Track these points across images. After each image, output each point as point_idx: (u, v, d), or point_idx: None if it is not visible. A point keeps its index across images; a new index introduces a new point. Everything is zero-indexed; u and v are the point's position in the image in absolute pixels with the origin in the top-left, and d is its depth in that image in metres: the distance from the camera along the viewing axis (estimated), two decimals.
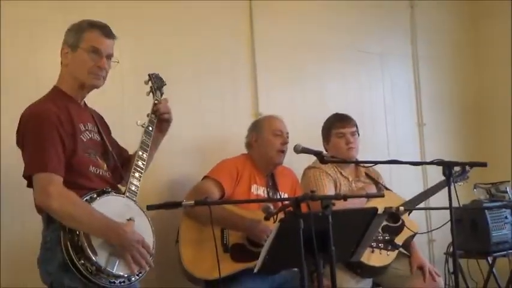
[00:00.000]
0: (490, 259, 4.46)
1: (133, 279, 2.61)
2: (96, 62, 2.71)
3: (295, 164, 3.90)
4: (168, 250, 3.48)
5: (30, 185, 2.60)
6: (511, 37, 5.42)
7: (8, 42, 3.31)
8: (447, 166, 3.00)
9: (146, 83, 3.15)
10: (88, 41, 2.71)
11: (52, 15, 3.40)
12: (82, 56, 2.71)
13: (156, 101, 3.05)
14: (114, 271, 2.51)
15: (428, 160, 4.16)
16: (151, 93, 3.13)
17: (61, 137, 2.58)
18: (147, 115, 2.99)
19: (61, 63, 2.77)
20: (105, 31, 2.76)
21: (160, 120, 3.01)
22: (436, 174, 3.68)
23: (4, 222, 3.21)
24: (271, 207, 2.83)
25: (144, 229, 2.69)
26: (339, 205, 2.58)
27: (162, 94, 3.13)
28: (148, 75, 3.17)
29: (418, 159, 5.19)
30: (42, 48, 3.38)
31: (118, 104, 3.64)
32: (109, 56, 2.76)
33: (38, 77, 3.30)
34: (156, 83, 3.14)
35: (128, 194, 2.71)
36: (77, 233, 2.48)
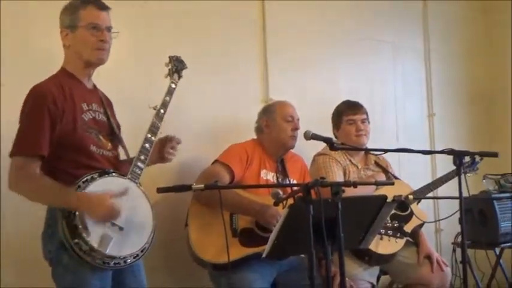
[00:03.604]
0: (497, 250, 4.46)
1: (129, 261, 2.61)
2: (97, 36, 2.72)
3: (305, 150, 3.90)
4: (177, 233, 3.50)
5: None
6: None
7: (6, 23, 3.30)
8: (457, 156, 3.00)
9: (166, 65, 3.12)
10: (85, 18, 2.72)
11: None
12: (82, 34, 2.71)
13: (172, 86, 3.03)
14: (106, 252, 2.51)
15: (438, 150, 4.16)
16: (168, 76, 3.10)
17: (50, 114, 2.58)
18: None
19: (63, 45, 2.78)
20: (99, 4, 2.77)
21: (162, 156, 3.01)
22: (445, 164, 3.69)
23: (6, 218, 3.23)
24: (281, 192, 2.82)
25: (144, 212, 2.70)
26: (349, 192, 2.58)
27: (180, 77, 3.10)
28: (169, 57, 3.14)
29: (428, 149, 5.17)
30: (42, 26, 3.36)
31: (130, 86, 3.65)
32: (108, 28, 2.77)
33: (37, 58, 3.31)
34: (176, 66, 3.12)
35: (130, 176, 2.70)
36: (73, 212, 2.48)
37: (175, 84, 3.05)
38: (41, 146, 2.56)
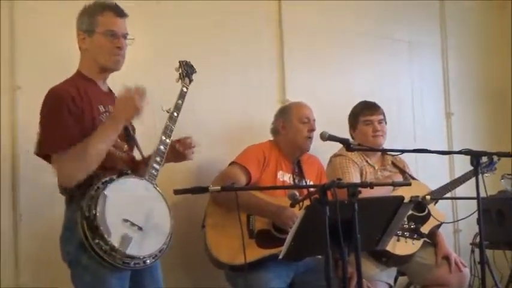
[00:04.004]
0: None
1: (148, 261, 2.63)
2: (114, 43, 2.76)
3: (321, 151, 3.90)
4: (194, 235, 3.52)
5: (46, 159, 2.68)
6: None
7: (23, 25, 3.33)
8: (475, 156, 2.98)
9: (177, 70, 3.16)
10: (103, 24, 2.75)
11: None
12: (99, 40, 2.76)
13: (184, 89, 3.06)
14: (127, 251, 2.53)
15: (455, 150, 4.14)
16: (180, 80, 3.15)
17: (71, 112, 2.63)
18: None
19: (79, 48, 2.81)
20: (118, 11, 2.80)
21: (178, 154, 3.01)
22: (463, 164, 3.66)
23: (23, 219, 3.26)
24: (297, 194, 2.83)
25: (161, 213, 2.72)
26: (365, 193, 2.57)
27: (190, 81, 3.15)
28: (179, 62, 3.19)
29: (445, 149, 5.15)
30: (57, 29, 3.38)
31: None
32: (124, 35, 2.80)
33: (53, 55, 3.34)
34: (186, 70, 3.16)
35: (147, 177, 2.72)
36: (93, 212, 2.50)
37: (187, 88, 3.09)
38: (71, 140, 2.60)
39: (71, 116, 2.63)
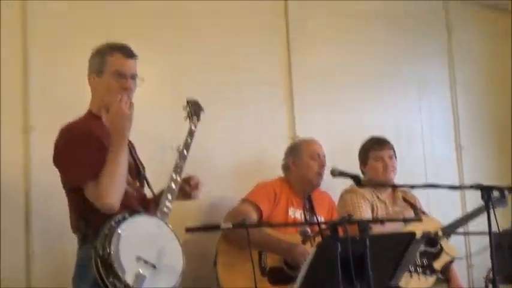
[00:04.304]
0: None
1: None
2: (121, 84, 2.79)
3: (332, 186, 3.90)
4: (206, 272, 3.50)
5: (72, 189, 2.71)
6: None
7: (36, 62, 3.37)
8: (486, 190, 2.97)
9: (184, 108, 3.21)
10: (111, 65, 2.79)
11: (80, 37, 3.46)
12: (107, 80, 2.79)
13: (192, 128, 3.10)
14: None
15: (467, 184, 4.13)
16: (188, 118, 3.18)
17: (89, 143, 2.67)
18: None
19: (90, 88, 2.86)
20: (127, 52, 2.84)
21: (186, 193, 3.04)
22: (475, 199, 3.65)
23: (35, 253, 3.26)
24: (309, 230, 2.83)
25: (174, 251, 2.71)
26: (377, 229, 2.57)
27: (199, 120, 3.18)
28: (187, 100, 3.23)
29: (457, 183, 5.13)
30: (70, 69, 3.42)
31: (155, 127, 3.68)
32: (133, 76, 2.83)
33: (66, 96, 3.38)
34: (194, 109, 3.20)
35: (159, 215, 2.74)
36: (107, 251, 2.50)
37: (195, 126, 3.12)
38: (98, 168, 2.62)
39: (90, 146, 2.67)
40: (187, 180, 3.02)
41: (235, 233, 3.07)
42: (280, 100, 4.38)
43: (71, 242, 2.76)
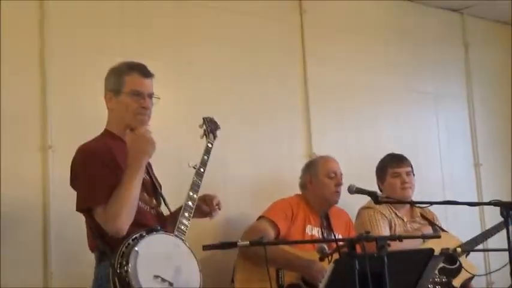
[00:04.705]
0: None
1: None
2: (139, 103, 2.80)
3: (350, 203, 3.89)
4: None
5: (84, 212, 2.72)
6: None
7: (54, 82, 3.41)
8: (505, 207, 2.95)
9: (201, 126, 3.23)
10: (129, 84, 2.81)
11: (98, 56, 3.50)
12: (125, 100, 2.80)
13: (209, 145, 3.11)
14: None
15: (485, 200, 4.09)
16: (204, 136, 3.21)
17: (104, 165, 2.68)
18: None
19: (107, 107, 2.87)
20: (144, 71, 2.86)
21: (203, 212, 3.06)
22: (494, 215, 3.61)
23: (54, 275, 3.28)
24: (326, 247, 2.81)
25: (191, 269, 2.72)
26: (395, 246, 2.56)
27: (215, 137, 3.21)
28: (203, 118, 3.26)
29: (475, 200, 5.10)
30: (88, 88, 3.46)
31: (172, 144, 3.68)
32: (150, 95, 2.85)
33: (84, 115, 3.41)
34: (210, 127, 3.22)
35: (176, 233, 2.74)
36: (125, 269, 2.51)
37: (212, 144, 3.14)
38: (110, 191, 2.63)
39: (104, 167, 2.67)
40: (206, 199, 3.03)
41: (253, 250, 3.05)
42: (296, 118, 4.39)
43: (89, 261, 2.77)
